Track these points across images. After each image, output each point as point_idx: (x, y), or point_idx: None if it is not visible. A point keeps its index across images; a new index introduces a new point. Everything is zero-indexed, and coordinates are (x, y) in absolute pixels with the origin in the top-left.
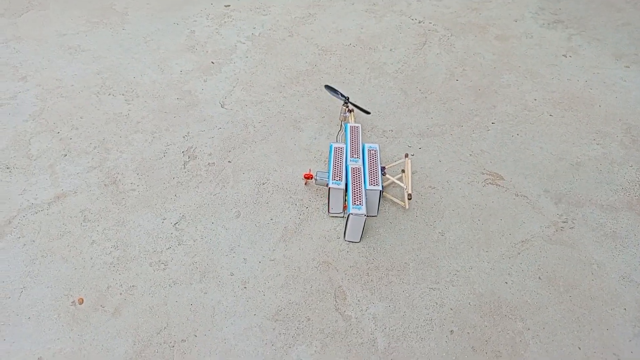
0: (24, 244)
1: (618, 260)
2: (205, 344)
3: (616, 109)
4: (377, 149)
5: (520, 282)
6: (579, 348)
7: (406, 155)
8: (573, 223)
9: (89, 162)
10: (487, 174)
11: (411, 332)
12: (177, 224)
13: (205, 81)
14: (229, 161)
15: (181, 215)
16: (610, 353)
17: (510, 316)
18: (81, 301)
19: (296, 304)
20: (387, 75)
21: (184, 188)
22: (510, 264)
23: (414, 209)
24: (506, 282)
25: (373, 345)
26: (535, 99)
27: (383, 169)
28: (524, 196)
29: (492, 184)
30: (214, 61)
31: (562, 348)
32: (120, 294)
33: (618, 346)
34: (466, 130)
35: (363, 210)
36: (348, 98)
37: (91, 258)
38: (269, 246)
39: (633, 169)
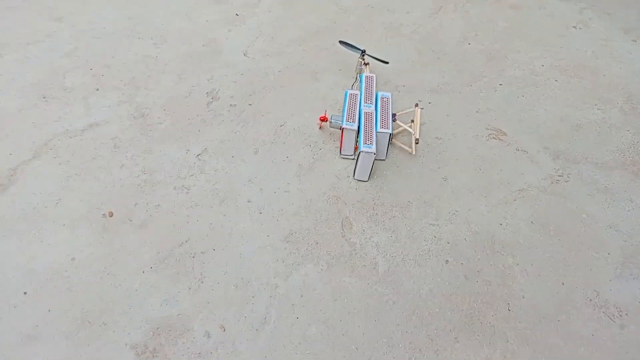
0: (60, 163)
1: (607, 212)
2: (223, 256)
3: (620, 78)
4: (390, 97)
5: (514, 224)
6: (563, 283)
7: (416, 105)
8: (568, 177)
9: (119, 97)
10: (491, 129)
11: (410, 259)
12: (199, 155)
13: (229, 31)
14: (249, 104)
15: (204, 148)
16: (591, 290)
17: (502, 252)
18: (111, 214)
19: (306, 230)
20: (402, 36)
21: (207, 125)
22: (506, 209)
23: (420, 155)
24: (501, 224)
25: (374, 268)
26: (543, 65)
27: (394, 115)
28: (525, 151)
29: (495, 138)
30: (238, 13)
31: (547, 282)
32: (147, 211)
33: (599, 284)
34: (474, 90)
35: (373, 149)
36: (364, 51)
37: (120, 179)
38: (284, 180)
39: (630, 133)
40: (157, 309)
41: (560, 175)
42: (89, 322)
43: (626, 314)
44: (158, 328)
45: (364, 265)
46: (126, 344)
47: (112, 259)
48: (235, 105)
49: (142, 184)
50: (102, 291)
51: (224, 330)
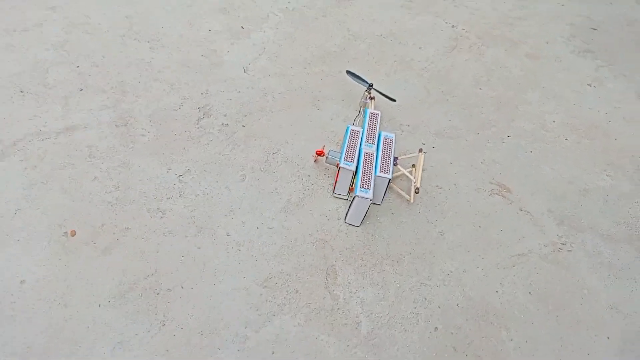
0: (25, 168)
1: (610, 289)
2: (191, 296)
3: (631, 144)
4: (394, 138)
5: (511, 293)
6: None
7: (420, 150)
8: (572, 246)
9: (103, 101)
10: (495, 184)
11: (396, 322)
12: (181, 176)
13: (232, 44)
14: (243, 125)
15: (187, 168)
16: None
17: (495, 324)
18: (73, 233)
19: (287, 275)
20: (412, 71)
21: (194, 143)
22: (504, 275)
23: (417, 204)
24: (497, 291)
25: (356, 328)
26: (554, 121)
27: (396, 159)
28: (528, 212)
29: (498, 194)
30: (244, 26)
31: None
32: (114, 233)
33: None
34: (482, 138)
35: (370, 195)
36: (372, 85)
37: (90, 193)
38: (269, 214)
39: (639, 205)
40: (109, 353)
41: (564, 244)
42: None
43: None
44: None
45: (346, 324)
46: None
47: (67, 287)
48: (228, 125)
49: (113, 202)
50: (49, 325)
51: None
